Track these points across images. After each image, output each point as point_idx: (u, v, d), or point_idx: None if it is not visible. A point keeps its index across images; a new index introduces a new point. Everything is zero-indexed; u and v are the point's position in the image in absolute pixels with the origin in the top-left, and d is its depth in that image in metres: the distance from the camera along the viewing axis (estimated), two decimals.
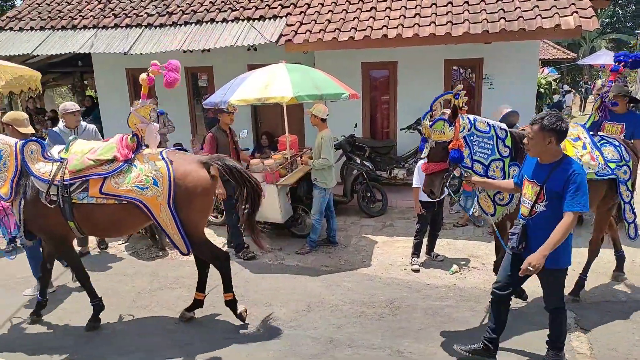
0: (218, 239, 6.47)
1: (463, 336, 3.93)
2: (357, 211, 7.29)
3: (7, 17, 9.71)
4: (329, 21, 7.64)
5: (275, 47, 7.60)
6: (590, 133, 4.32)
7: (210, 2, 8.68)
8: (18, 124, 4.77)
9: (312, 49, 7.72)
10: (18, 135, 4.64)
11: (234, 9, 8.33)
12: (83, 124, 5.75)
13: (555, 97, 17.83)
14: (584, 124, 4.50)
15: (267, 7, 8.27)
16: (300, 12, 8.00)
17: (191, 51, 8.19)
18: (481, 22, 6.87)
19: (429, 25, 7.02)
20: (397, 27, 7.12)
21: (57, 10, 9.48)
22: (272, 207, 5.94)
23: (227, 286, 4.22)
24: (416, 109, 7.86)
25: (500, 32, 6.69)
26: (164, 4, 8.90)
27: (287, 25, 7.76)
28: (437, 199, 4.56)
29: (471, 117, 3.87)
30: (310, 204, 6.02)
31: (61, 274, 5.41)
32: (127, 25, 8.57)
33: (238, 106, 5.71)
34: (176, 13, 8.57)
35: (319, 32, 7.39)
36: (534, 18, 6.67)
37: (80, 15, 9.11)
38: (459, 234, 6.30)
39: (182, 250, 3.97)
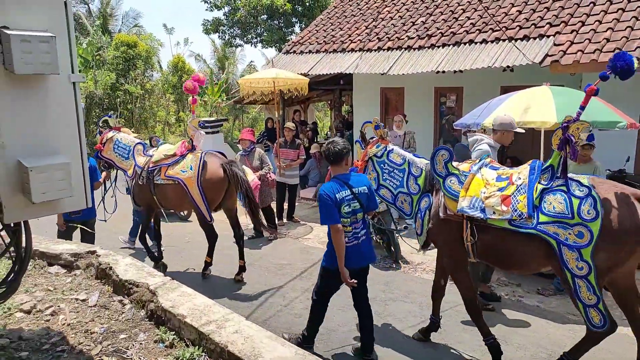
0: None
1: None
2: None
3: (292, 42, 11.59)
4: (608, 40, 6.73)
5: (534, 68, 7.09)
6: (557, 175, 3.43)
7: (471, 23, 8.64)
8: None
9: (582, 71, 6.92)
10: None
11: (495, 29, 8.10)
12: None
13: None
14: (543, 162, 3.62)
15: (532, 26, 7.78)
16: (572, 31, 7.27)
17: (444, 72, 8.29)
18: None
19: None
20: None
21: (331, 35, 10.84)
22: None
23: (210, 251, 5.99)
24: None
25: None
26: (425, 27, 9.25)
27: (555, 44, 7.14)
28: None
29: (391, 147, 4.32)
30: None
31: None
32: (389, 48, 9.20)
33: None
34: (435, 35, 8.80)
35: (594, 52, 6.58)
36: None
37: (349, 40, 10.20)
38: None
39: (207, 218, 5.62)
